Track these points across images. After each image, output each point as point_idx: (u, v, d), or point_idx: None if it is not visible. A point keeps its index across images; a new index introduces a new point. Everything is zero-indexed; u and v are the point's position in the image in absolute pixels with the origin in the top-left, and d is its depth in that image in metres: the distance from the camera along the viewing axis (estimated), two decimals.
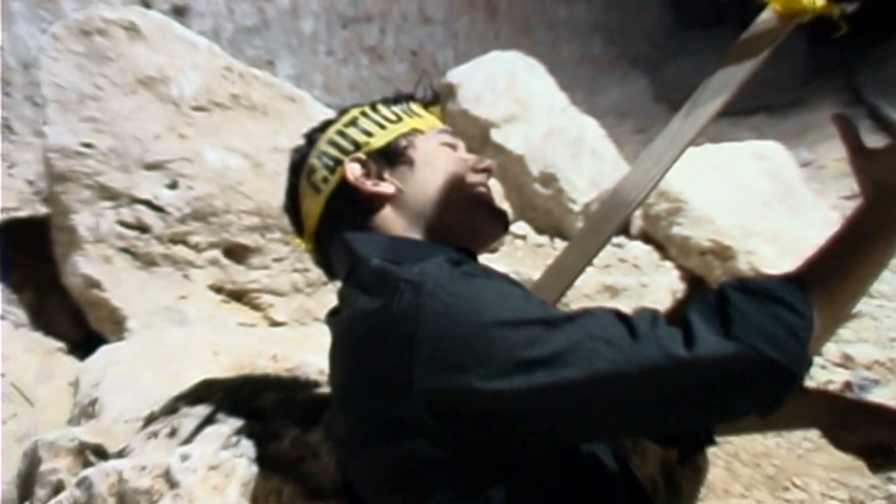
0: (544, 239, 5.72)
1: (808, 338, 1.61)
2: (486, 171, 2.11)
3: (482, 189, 2.08)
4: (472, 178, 2.08)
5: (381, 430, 1.72)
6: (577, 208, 5.52)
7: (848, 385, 4.88)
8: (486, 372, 1.61)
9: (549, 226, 5.64)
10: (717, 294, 1.66)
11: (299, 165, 2.13)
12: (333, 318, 1.97)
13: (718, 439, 4.25)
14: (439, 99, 2.38)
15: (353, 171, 2.03)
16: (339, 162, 2.06)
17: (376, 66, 9.81)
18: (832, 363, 5.17)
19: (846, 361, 5.14)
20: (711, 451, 4.28)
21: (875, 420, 2.32)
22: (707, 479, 4.06)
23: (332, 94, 8.89)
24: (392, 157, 2.05)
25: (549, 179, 5.61)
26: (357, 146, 2.07)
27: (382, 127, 2.09)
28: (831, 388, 4.88)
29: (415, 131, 2.11)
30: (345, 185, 2.03)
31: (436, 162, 2.07)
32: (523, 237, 5.65)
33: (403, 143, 2.08)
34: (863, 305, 5.77)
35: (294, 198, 2.15)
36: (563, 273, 2.35)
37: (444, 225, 1.99)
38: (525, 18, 12.07)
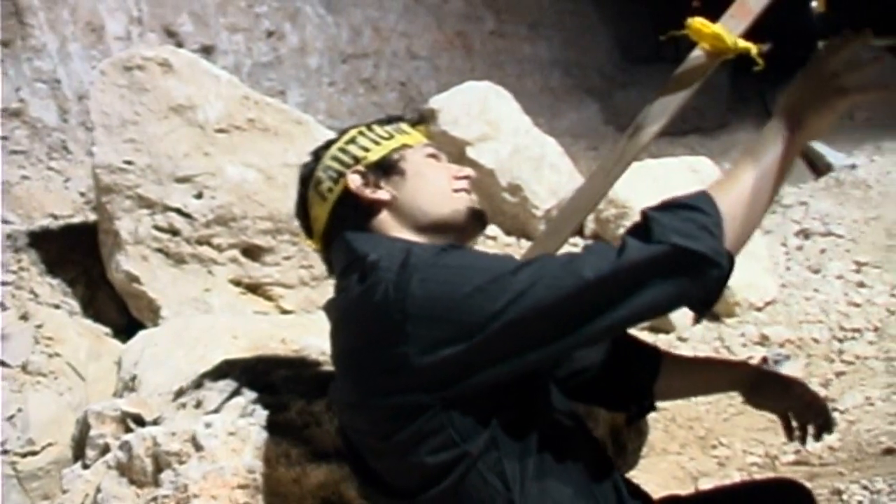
0: (512, 239, 5.75)
1: (720, 231, 1.64)
2: (467, 177, 2.11)
3: (464, 192, 2.07)
4: (455, 184, 2.07)
5: (377, 389, 1.75)
6: (539, 213, 5.55)
7: (764, 360, 4.90)
8: (470, 332, 1.65)
9: (516, 228, 5.67)
10: (641, 217, 1.69)
11: (307, 178, 2.12)
12: (331, 305, 1.97)
13: (659, 406, 4.30)
14: (424, 119, 2.39)
15: (354, 181, 2.01)
16: (341, 174, 2.05)
17: (371, 95, 9.82)
18: (752, 342, 5.19)
19: (763, 340, 5.17)
20: (652, 416, 4.26)
21: (782, 390, 2.35)
22: (648, 440, 4.06)
23: (334, 119, 8.89)
24: (387, 168, 2.04)
25: (515, 189, 5.64)
26: (356, 160, 2.06)
27: (377, 143, 2.09)
28: (751, 362, 4.90)
29: (405, 146, 2.10)
30: (347, 194, 2.02)
31: (424, 171, 2.06)
32: (494, 238, 5.67)
33: (396, 156, 2.07)
34: (777, 295, 5.79)
35: (304, 206, 2.14)
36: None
37: (433, 224, 1.99)
38: (496, 55, 12.10)
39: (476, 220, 2.06)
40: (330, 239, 2.06)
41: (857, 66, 1.79)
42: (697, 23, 2.35)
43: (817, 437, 2.35)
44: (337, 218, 2.04)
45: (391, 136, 2.12)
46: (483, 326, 1.64)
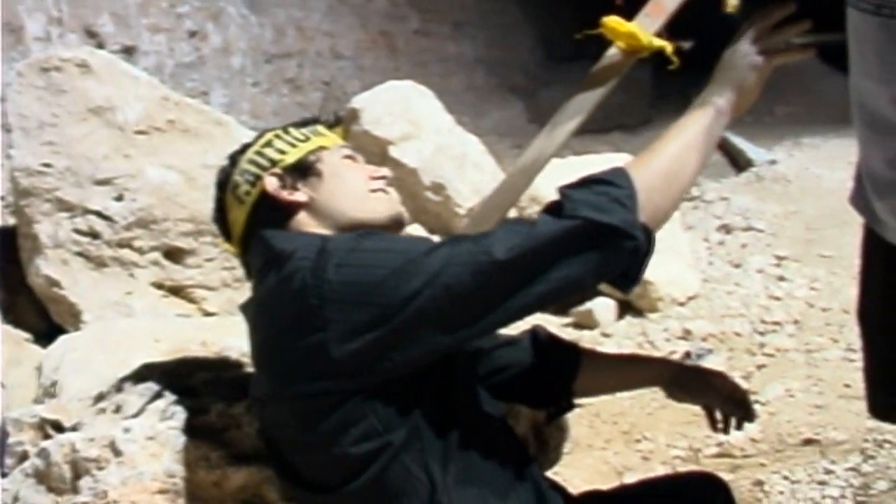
0: (435, 238, 5.74)
1: (633, 203, 1.65)
2: (383, 177, 2.12)
3: (381, 192, 2.08)
4: (372, 184, 2.08)
5: (299, 377, 1.76)
6: (462, 212, 5.56)
7: (687, 354, 4.95)
8: (387, 314, 1.67)
9: (440, 227, 5.66)
10: (557, 196, 1.71)
11: (224, 182, 2.11)
12: (248, 304, 1.99)
13: (583, 402, 4.32)
14: (341, 122, 2.39)
15: (270, 183, 2.01)
16: (258, 177, 2.04)
17: (295, 95, 9.79)
18: (675, 337, 5.24)
19: (686, 335, 5.22)
20: (577, 412, 4.29)
21: (702, 383, 2.39)
22: (573, 436, 4.08)
23: (258, 120, 8.85)
24: (303, 170, 2.04)
25: (438, 188, 5.64)
26: (273, 163, 2.05)
27: (294, 146, 2.09)
28: (674, 357, 4.94)
29: (321, 148, 2.10)
30: (265, 197, 2.02)
31: (340, 172, 2.07)
32: None
33: (312, 158, 2.07)
34: (699, 289, 5.85)
35: (222, 210, 2.13)
36: None
37: (351, 224, 1.98)
38: (420, 54, 12.10)
39: (394, 221, 2.07)
40: (248, 242, 2.05)
41: (778, 31, 1.89)
42: (612, 21, 2.37)
43: (739, 427, 2.40)
44: (255, 221, 2.04)
45: (307, 139, 2.12)
46: (399, 308, 1.66)
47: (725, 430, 2.40)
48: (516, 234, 1.66)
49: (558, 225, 1.64)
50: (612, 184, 1.68)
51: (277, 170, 2.04)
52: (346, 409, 1.74)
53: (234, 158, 2.13)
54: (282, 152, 2.07)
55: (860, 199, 2.43)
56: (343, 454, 1.77)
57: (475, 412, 1.97)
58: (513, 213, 5.84)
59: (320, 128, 2.19)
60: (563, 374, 2.34)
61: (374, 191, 2.07)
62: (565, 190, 1.71)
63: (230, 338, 2.84)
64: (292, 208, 2.02)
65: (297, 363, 1.76)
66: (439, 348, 1.73)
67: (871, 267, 2.52)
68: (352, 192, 2.04)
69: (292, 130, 2.14)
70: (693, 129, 1.82)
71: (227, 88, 8.78)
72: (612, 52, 2.39)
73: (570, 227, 1.63)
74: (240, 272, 4.22)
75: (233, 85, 8.85)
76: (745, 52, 1.92)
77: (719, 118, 1.85)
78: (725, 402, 2.37)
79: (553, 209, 1.69)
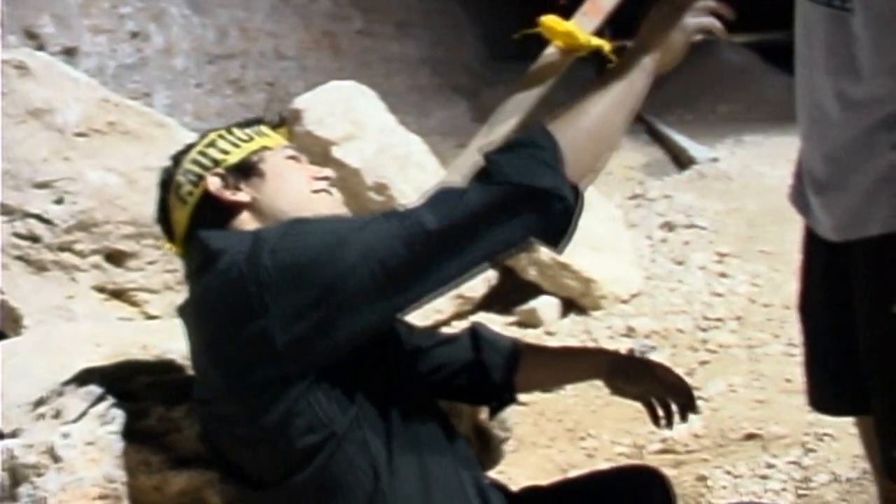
0: None
1: (559, 163, 1.67)
2: (326, 178, 2.12)
3: (324, 193, 2.08)
4: (315, 184, 2.08)
5: (243, 368, 1.76)
6: None
7: (631, 352, 4.95)
8: (325, 292, 1.69)
9: None
10: (482, 162, 1.72)
11: (167, 182, 2.10)
12: (185, 306, 1.99)
13: (528, 400, 4.32)
14: (284, 122, 2.39)
15: (213, 183, 2.01)
16: (201, 177, 2.04)
17: (239, 96, 9.76)
18: (618, 334, 5.27)
19: (629, 332, 5.25)
20: (521, 410, 4.32)
21: (643, 372, 2.40)
22: (518, 434, 4.09)
23: (202, 121, 8.80)
24: (246, 170, 2.04)
25: (381, 188, 5.63)
26: (216, 163, 2.05)
27: (237, 146, 2.08)
28: None
29: (264, 148, 2.10)
30: (207, 196, 2.01)
31: (283, 172, 2.07)
32: None
33: (255, 158, 2.07)
34: (642, 287, 5.88)
35: (164, 210, 2.12)
36: None
37: None
38: (363, 54, 12.10)
39: None
40: (190, 241, 2.04)
41: (701, 5, 1.88)
42: (550, 21, 2.38)
43: (683, 419, 2.40)
44: (197, 221, 2.03)
45: (250, 139, 2.12)
46: (337, 286, 1.67)
47: (668, 423, 2.40)
48: (446, 203, 1.69)
49: (488, 191, 1.66)
50: (537, 145, 1.70)
51: (220, 170, 2.04)
52: (289, 401, 1.74)
53: (178, 159, 2.12)
54: (225, 152, 2.07)
55: (798, 197, 2.46)
56: (288, 447, 1.78)
57: (416, 403, 1.98)
58: None
59: (264, 128, 2.19)
60: (504, 368, 2.34)
61: (316, 191, 2.08)
62: (491, 155, 1.72)
63: (172, 341, 2.82)
64: (235, 208, 2.01)
65: (242, 354, 1.76)
66: (381, 320, 1.75)
67: (811, 262, 2.54)
68: (294, 193, 2.04)
69: (236, 131, 2.14)
70: (618, 88, 1.82)
71: (170, 90, 8.72)
72: (550, 52, 2.40)
73: (499, 193, 1.65)
74: (182, 274, 4.22)
75: (176, 86, 8.80)
76: (674, 10, 1.90)
77: (645, 76, 1.84)
78: (665, 391, 2.37)
79: (481, 175, 1.70)
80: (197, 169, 2.05)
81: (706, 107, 13.73)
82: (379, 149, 5.75)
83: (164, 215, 2.13)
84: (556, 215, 1.68)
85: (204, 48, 9.27)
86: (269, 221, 1.98)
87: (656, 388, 2.37)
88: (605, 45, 2.38)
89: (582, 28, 2.36)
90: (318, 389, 1.75)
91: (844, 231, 2.24)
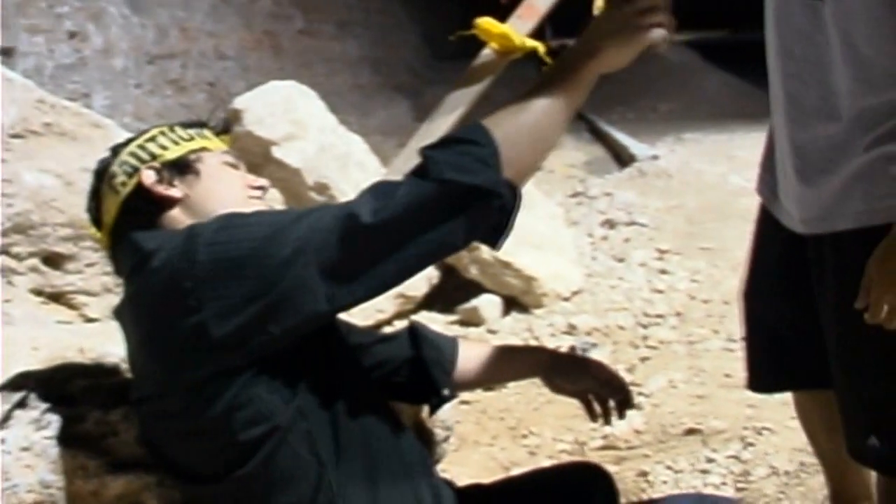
0: None
1: (496, 161, 1.67)
2: (261, 188, 2.13)
3: (256, 201, 2.09)
4: (248, 192, 2.09)
5: (183, 365, 1.76)
6: None
7: (572, 349, 4.98)
8: (261, 286, 1.68)
9: None
10: (420, 158, 1.73)
11: (102, 172, 2.11)
12: (121, 307, 1.99)
13: (470, 398, 4.32)
14: (228, 129, 2.39)
15: (147, 176, 2.01)
16: (136, 169, 2.04)
17: (179, 97, 9.67)
18: (560, 332, 5.28)
19: (571, 329, 5.27)
20: (464, 409, 4.33)
21: (581, 370, 2.42)
22: (460, 433, 4.11)
23: (142, 121, 8.71)
24: (182, 167, 2.05)
25: (322, 188, 5.62)
26: (153, 157, 2.05)
27: (176, 143, 2.09)
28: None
29: (204, 149, 2.11)
30: (140, 189, 2.02)
31: (219, 175, 2.08)
32: None
33: (193, 157, 2.08)
34: (583, 284, 5.91)
35: (96, 198, 2.12)
36: None
37: None
38: (305, 54, 12.05)
39: None
40: (118, 233, 2.05)
41: (659, 8, 1.87)
42: (485, 23, 2.39)
43: (620, 416, 2.44)
44: (127, 211, 2.04)
45: (191, 139, 2.13)
46: (273, 279, 1.68)
47: (606, 420, 2.43)
48: (383, 198, 1.68)
49: (425, 188, 1.66)
50: (475, 142, 1.69)
51: (156, 164, 2.04)
52: (230, 395, 1.74)
53: (116, 150, 2.12)
54: (163, 148, 2.07)
55: (764, 187, 2.55)
56: (231, 441, 1.77)
57: (361, 395, 1.98)
58: None
59: (207, 131, 2.20)
60: (443, 366, 2.36)
61: (250, 198, 2.08)
62: (429, 152, 1.73)
63: (110, 344, 2.80)
64: (165, 203, 2.02)
65: (180, 349, 1.76)
66: (317, 316, 1.74)
67: (763, 250, 2.61)
68: (227, 196, 2.04)
69: (178, 129, 2.15)
70: (559, 87, 1.81)
71: (110, 90, 8.63)
72: (486, 53, 2.41)
73: (436, 190, 1.65)
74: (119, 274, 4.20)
75: (115, 86, 8.71)
76: (626, 20, 1.88)
77: (590, 71, 1.84)
78: (604, 387, 2.40)
79: (418, 172, 1.71)
80: (133, 161, 2.06)
81: (647, 105, 13.80)
82: (319, 148, 5.74)
83: (95, 203, 2.13)
84: (492, 213, 1.69)
85: (143, 48, 9.19)
86: (198, 220, 1.97)
87: (594, 385, 2.40)
88: (540, 47, 2.40)
89: (517, 30, 2.37)
90: (259, 382, 1.75)
91: (814, 225, 2.32)
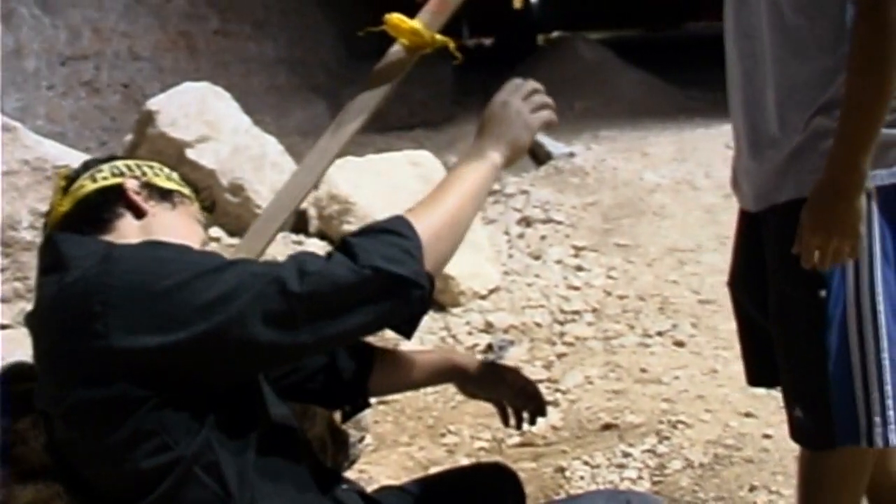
0: (235, 240, 5.65)
1: (420, 253, 1.70)
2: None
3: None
4: (199, 244, 2.07)
5: (84, 386, 1.69)
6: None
7: (490, 346, 4.99)
8: (172, 326, 1.63)
9: (239, 229, 5.60)
10: (342, 244, 1.73)
11: (90, 166, 2.08)
12: (31, 314, 1.91)
13: (388, 399, 4.30)
14: (213, 210, 2.39)
15: (131, 183, 2.01)
16: (123, 174, 2.03)
17: (93, 98, 9.54)
18: (477, 330, 5.28)
19: (488, 327, 5.27)
20: (382, 409, 4.32)
21: (494, 377, 2.43)
22: (379, 433, 4.09)
23: (55, 124, 8.61)
24: (164, 194, 2.05)
25: (237, 189, 5.59)
26: (144, 174, 2.05)
27: (169, 179, 2.10)
28: (476, 350, 4.98)
29: (187, 197, 2.11)
30: (118, 188, 2.00)
31: (186, 220, 2.07)
32: (217, 239, 5.60)
33: (177, 195, 2.08)
34: (500, 282, 5.92)
35: (71, 181, 2.05)
36: None
37: None
38: (221, 55, 11.94)
39: None
40: (69, 219, 2.00)
41: (538, 102, 2.02)
42: (395, 19, 2.37)
43: (532, 422, 2.45)
44: (96, 196, 2.00)
45: (182, 185, 2.13)
46: (185, 323, 1.63)
47: (518, 426, 2.44)
48: (311, 271, 1.67)
49: (354, 274, 1.66)
50: (401, 235, 1.71)
51: (144, 179, 2.04)
52: (135, 422, 1.68)
53: (113, 158, 2.12)
54: (156, 175, 2.08)
55: (732, 175, 2.70)
56: (135, 469, 1.71)
57: (268, 421, 1.93)
58: (313, 213, 5.82)
59: (195, 195, 2.18)
60: (357, 372, 2.34)
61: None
62: (356, 239, 1.73)
63: (20, 350, 2.75)
64: (132, 211, 1.99)
65: (83, 371, 1.69)
66: (225, 375, 1.73)
67: (740, 239, 2.72)
68: (184, 237, 1.98)
69: (176, 175, 2.15)
70: (472, 181, 1.88)
71: (21, 92, 8.49)
72: (396, 49, 2.39)
73: (364, 277, 1.66)
74: (32, 282, 4.11)
75: (27, 88, 8.57)
76: (519, 109, 1.99)
77: (494, 172, 1.92)
78: (517, 395, 2.41)
79: (347, 253, 1.70)
80: (124, 168, 2.05)
81: (563, 103, 13.83)
82: (234, 150, 5.70)
83: (68, 185, 2.07)
84: (413, 303, 1.70)
85: (56, 49, 9.05)
86: (146, 237, 1.94)
87: (507, 394, 2.42)
88: (451, 43, 2.38)
89: (428, 25, 2.35)
90: (165, 411, 1.69)
91: (762, 200, 2.44)
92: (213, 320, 1.63)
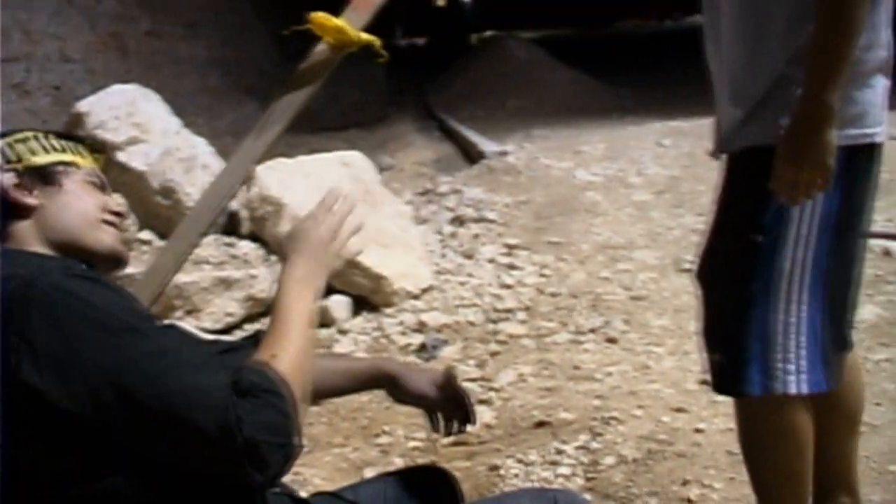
0: (166, 243, 5.64)
1: (292, 408, 1.66)
2: (119, 214, 2.03)
3: (109, 227, 1.99)
4: (105, 215, 1.98)
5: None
6: None
7: (423, 346, 4.96)
8: (81, 374, 1.58)
9: (170, 231, 5.48)
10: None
11: None
12: None
13: (321, 400, 4.26)
14: (105, 150, 2.29)
15: (8, 178, 1.90)
16: None
17: (23, 101, 9.41)
18: (410, 329, 5.26)
19: (421, 327, 5.25)
20: (316, 410, 4.28)
21: (423, 385, 2.38)
22: (313, 434, 4.06)
23: None
24: (46, 176, 1.94)
25: (168, 192, 5.54)
26: (19, 159, 1.94)
27: (47, 151, 1.98)
28: (410, 349, 4.96)
29: (73, 164, 2.00)
30: None
31: (79, 191, 1.97)
32: (149, 242, 5.55)
33: (59, 168, 1.97)
34: (433, 281, 5.91)
35: None
36: (159, 274, 2.27)
37: (70, 245, 1.90)
38: (152, 56, 11.83)
39: (113, 256, 1.98)
40: None
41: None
42: (320, 17, 2.35)
43: (460, 430, 2.42)
44: None
45: (63, 150, 2.02)
46: (98, 376, 1.59)
47: (446, 433, 2.41)
48: (225, 406, 1.60)
49: (240, 438, 1.59)
50: (279, 395, 1.66)
51: (20, 167, 1.93)
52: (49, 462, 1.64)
53: None
54: (32, 152, 1.97)
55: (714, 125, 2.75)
56: None
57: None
58: (245, 214, 5.77)
59: (82, 148, 2.09)
60: None
61: (105, 221, 1.98)
62: (238, 400, 1.63)
63: None
64: (18, 211, 1.90)
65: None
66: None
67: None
68: (83, 214, 1.94)
69: (52, 138, 2.04)
70: (308, 314, 1.84)
71: None
72: (321, 49, 2.36)
73: (249, 445, 1.58)
74: None
75: None
76: (319, 255, 1.93)
77: (315, 297, 1.88)
78: (445, 404, 2.38)
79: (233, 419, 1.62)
80: None
81: (496, 102, 13.90)
82: (164, 152, 5.65)
83: None
84: (287, 461, 1.66)
85: None
86: (48, 233, 1.88)
87: (435, 403, 2.38)
88: (376, 41, 2.36)
89: (352, 24, 2.32)
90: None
91: (724, 145, 2.56)
92: (123, 382, 1.59)
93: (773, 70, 2.37)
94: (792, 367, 2.40)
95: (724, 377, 2.52)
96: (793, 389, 2.41)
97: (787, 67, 2.35)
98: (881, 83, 2.41)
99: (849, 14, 2.21)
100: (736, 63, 2.47)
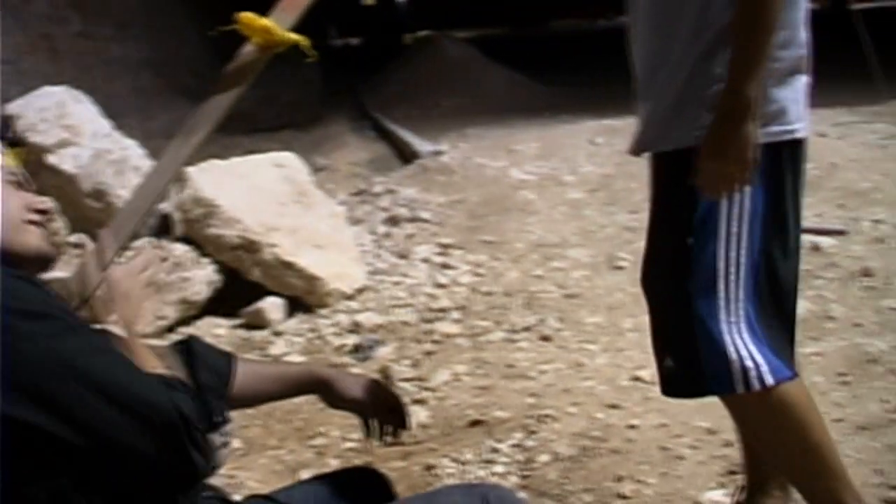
0: None
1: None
2: (44, 212, 1.96)
3: (34, 227, 1.91)
4: (30, 215, 1.90)
5: None
6: None
7: (358, 347, 4.95)
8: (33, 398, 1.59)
9: None
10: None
11: None
12: None
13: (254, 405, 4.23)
14: (21, 144, 2.25)
15: None
16: None
17: None
18: (345, 330, 5.26)
19: (355, 327, 5.24)
20: (250, 413, 4.25)
21: (357, 391, 2.38)
22: (248, 437, 4.03)
23: None
24: None
25: (99, 194, 5.49)
26: None
27: None
28: (344, 350, 4.95)
29: None
30: None
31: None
32: (81, 246, 5.49)
33: None
34: (367, 282, 5.90)
35: None
36: (86, 278, 2.23)
37: None
38: (83, 57, 11.69)
39: (39, 258, 1.92)
40: None
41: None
42: (247, 17, 2.33)
43: (394, 435, 2.44)
44: None
45: None
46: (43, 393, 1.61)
47: (379, 438, 2.41)
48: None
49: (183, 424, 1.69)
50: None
51: None
52: None
53: None
54: None
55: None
56: None
57: None
58: (178, 216, 5.71)
59: None
60: (217, 390, 2.26)
61: (29, 222, 1.91)
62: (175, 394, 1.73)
63: None
64: None
65: None
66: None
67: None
68: (6, 218, 1.86)
69: None
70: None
71: None
72: (248, 49, 2.35)
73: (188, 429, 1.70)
74: None
75: None
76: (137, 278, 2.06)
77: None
78: (378, 410, 2.38)
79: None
80: None
81: (430, 101, 13.89)
82: (95, 154, 5.60)
83: None
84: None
85: None
86: None
87: (368, 408, 2.38)
88: (303, 41, 2.35)
89: (280, 24, 2.31)
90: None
91: (644, 144, 2.58)
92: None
93: (685, 65, 2.39)
94: (750, 364, 2.37)
95: (676, 381, 2.51)
96: (757, 385, 2.37)
97: (699, 62, 2.37)
98: (801, 80, 2.44)
99: (765, 8, 2.24)
100: (650, 59, 2.50)
